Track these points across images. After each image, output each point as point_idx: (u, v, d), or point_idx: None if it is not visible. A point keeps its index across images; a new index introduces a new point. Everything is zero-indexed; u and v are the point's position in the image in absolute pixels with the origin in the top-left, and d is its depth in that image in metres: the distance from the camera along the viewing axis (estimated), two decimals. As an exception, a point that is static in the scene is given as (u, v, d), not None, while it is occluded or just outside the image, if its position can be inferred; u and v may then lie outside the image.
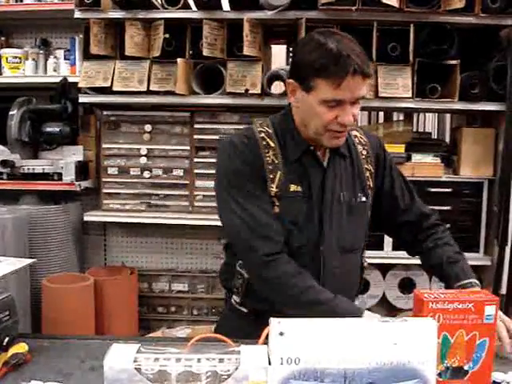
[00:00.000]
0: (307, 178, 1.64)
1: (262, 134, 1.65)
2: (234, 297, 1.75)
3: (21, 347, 1.43)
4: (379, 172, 1.77)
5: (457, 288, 1.60)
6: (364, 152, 1.74)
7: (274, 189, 1.60)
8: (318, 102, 1.51)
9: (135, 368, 0.93)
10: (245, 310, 1.72)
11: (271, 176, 1.61)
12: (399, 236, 1.89)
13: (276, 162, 1.62)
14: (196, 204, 3.38)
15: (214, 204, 1.71)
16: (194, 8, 3.14)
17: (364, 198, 1.70)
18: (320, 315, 1.44)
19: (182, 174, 3.39)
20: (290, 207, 1.61)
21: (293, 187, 1.62)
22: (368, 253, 3.16)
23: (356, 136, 1.76)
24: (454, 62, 3.01)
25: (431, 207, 1.89)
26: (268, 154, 1.62)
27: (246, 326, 1.54)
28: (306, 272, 1.56)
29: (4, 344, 1.43)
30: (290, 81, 1.59)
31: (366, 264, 1.84)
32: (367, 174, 1.73)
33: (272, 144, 1.63)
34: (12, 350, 1.40)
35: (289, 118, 1.66)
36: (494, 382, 1.26)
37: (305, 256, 1.62)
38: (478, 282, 1.63)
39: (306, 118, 1.59)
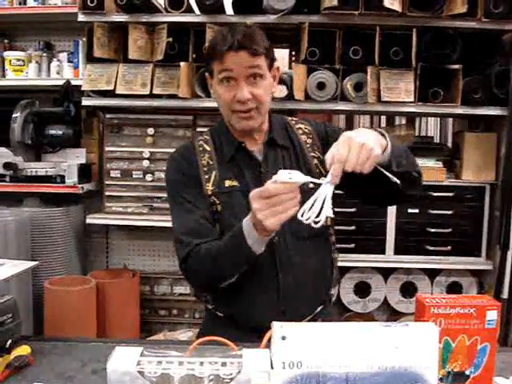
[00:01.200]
0: (242, 174, 1.68)
1: (200, 142, 1.76)
2: (207, 305, 1.77)
3: (23, 349, 1.43)
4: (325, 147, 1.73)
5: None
6: (309, 141, 1.76)
7: (210, 187, 1.66)
8: (217, 83, 1.63)
9: (138, 371, 0.93)
10: (221, 314, 1.73)
11: (206, 177, 1.68)
12: (390, 195, 1.72)
13: (211, 163, 1.70)
14: (198, 207, 3.38)
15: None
16: (197, 12, 3.15)
17: (312, 185, 1.67)
18: (231, 267, 1.55)
19: (184, 177, 3.39)
20: (229, 202, 1.65)
21: (228, 182, 1.67)
22: (370, 257, 3.22)
23: (300, 128, 1.80)
24: (456, 66, 3.02)
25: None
26: (203, 158, 1.71)
27: (225, 331, 1.54)
28: (200, 244, 1.59)
29: (7, 346, 1.44)
30: (206, 74, 1.73)
31: (336, 256, 1.80)
32: (315, 161, 1.73)
33: (208, 148, 1.73)
34: (15, 353, 1.41)
35: (223, 119, 1.75)
36: (495, 386, 1.26)
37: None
38: (386, 134, 1.49)
39: (219, 106, 1.69)
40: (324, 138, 1.77)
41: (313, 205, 1.32)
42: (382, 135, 1.47)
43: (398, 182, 1.39)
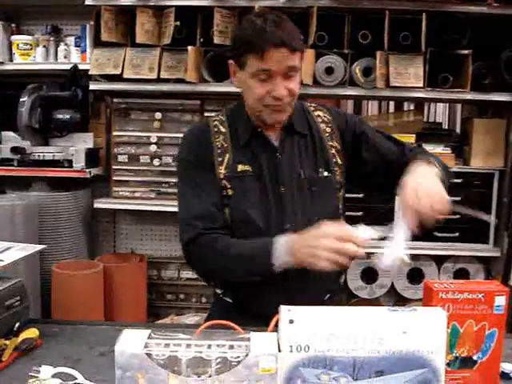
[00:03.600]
0: (256, 159, 1.66)
1: (215, 122, 1.72)
2: (216, 290, 1.76)
3: (32, 332, 1.44)
4: (349, 143, 1.74)
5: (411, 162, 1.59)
6: (328, 130, 1.73)
7: (222, 171, 1.64)
8: (249, 76, 1.57)
9: (146, 353, 0.93)
10: (229, 300, 1.72)
11: (220, 159, 1.65)
12: None
13: (225, 145, 1.66)
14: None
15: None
16: (205, -5, 3.13)
17: (326, 174, 1.68)
18: (241, 269, 1.55)
19: (191, 162, 3.38)
20: (241, 187, 1.63)
21: (240, 167, 1.65)
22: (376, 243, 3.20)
23: (319, 115, 1.76)
24: (466, 51, 3.00)
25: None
26: (218, 140, 1.67)
27: (233, 316, 1.54)
28: (216, 236, 1.59)
29: (15, 329, 1.45)
30: (230, 61, 1.66)
31: None
32: (332, 150, 1.71)
33: (223, 129, 1.69)
34: (23, 335, 1.41)
35: (241, 103, 1.71)
36: (502, 372, 1.26)
37: (270, 235, 1.58)
38: (436, 164, 1.59)
39: (245, 96, 1.66)
40: (344, 129, 1.75)
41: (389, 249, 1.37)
42: (430, 162, 1.57)
43: (490, 220, 1.45)
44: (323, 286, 1.70)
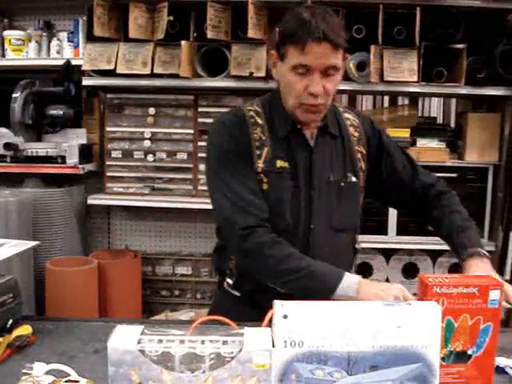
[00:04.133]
0: (293, 156, 1.64)
1: (251, 113, 1.67)
2: (228, 280, 1.74)
3: (25, 329, 1.43)
4: (373, 151, 1.76)
5: (466, 257, 1.59)
6: (356, 134, 1.73)
7: (260, 164, 1.61)
8: (288, 69, 1.54)
9: (139, 350, 0.93)
10: (238, 293, 1.72)
11: (258, 152, 1.62)
12: (409, 209, 1.91)
13: (263, 138, 1.63)
14: (200, 187, 3.38)
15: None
16: (198, -10, 3.12)
17: (354, 179, 1.69)
18: (300, 282, 1.50)
19: (185, 157, 3.38)
20: (277, 183, 1.61)
21: (279, 163, 1.63)
22: (372, 237, 3.21)
23: (348, 118, 1.76)
24: (460, 46, 2.99)
25: (437, 175, 1.87)
26: (256, 131, 1.64)
27: (238, 310, 1.53)
28: (285, 242, 1.56)
29: (8, 326, 1.44)
30: (272, 52, 1.64)
31: (358, 247, 1.83)
32: (359, 155, 1.72)
33: (260, 121, 1.65)
34: (16, 332, 1.41)
35: (277, 96, 1.67)
36: (497, 366, 1.26)
37: (294, 234, 1.61)
38: (485, 251, 1.61)
39: (284, 91, 1.62)
40: (371, 136, 1.76)
41: None
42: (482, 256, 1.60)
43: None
44: None
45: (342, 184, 1.67)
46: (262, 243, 1.55)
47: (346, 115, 1.77)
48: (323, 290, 1.48)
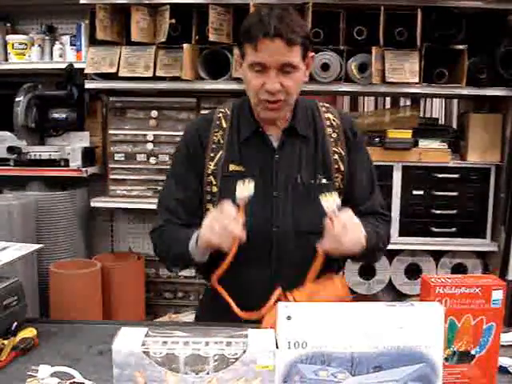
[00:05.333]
0: (252, 159, 1.64)
1: (220, 115, 1.70)
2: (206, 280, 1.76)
3: (29, 332, 1.44)
4: (349, 155, 1.71)
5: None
6: (334, 135, 1.69)
7: (211, 167, 1.64)
8: (247, 67, 1.55)
9: (143, 351, 0.93)
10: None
11: (212, 155, 1.65)
12: None
13: (221, 142, 1.66)
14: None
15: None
16: (199, -7, 3.12)
17: (324, 180, 1.65)
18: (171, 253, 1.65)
19: (188, 160, 3.38)
20: (227, 187, 1.59)
21: (232, 167, 1.64)
22: (374, 238, 3.20)
23: (328, 118, 1.72)
24: (461, 46, 3.00)
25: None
26: (216, 134, 1.67)
27: (223, 308, 1.54)
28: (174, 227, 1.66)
29: (12, 329, 1.45)
30: (236, 52, 1.67)
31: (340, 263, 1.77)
32: (335, 156, 1.67)
33: (224, 125, 1.68)
34: (20, 335, 1.41)
35: (247, 98, 1.66)
36: (500, 366, 1.26)
37: (256, 237, 1.55)
38: (368, 235, 1.55)
39: (246, 89, 1.63)
40: (349, 137, 1.71)
41: None
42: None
43: None
44: None
45: (311, 185, 1.63)
46: (156, 237, 1.72)
47: (327, 115, 1.72)
48: (184, 259, 1.59)
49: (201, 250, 1.53)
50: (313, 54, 1.64)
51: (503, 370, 1.29)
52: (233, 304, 1.51)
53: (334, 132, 1.70)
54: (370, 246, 1.55)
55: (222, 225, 1.42)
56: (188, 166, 1.68)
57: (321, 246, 1.47)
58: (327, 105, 1.78)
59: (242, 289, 1.58)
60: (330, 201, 1.46)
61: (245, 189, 1.46)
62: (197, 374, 0.94)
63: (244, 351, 0.94)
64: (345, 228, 1.44)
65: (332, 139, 1.69)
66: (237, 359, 0.93)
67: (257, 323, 1.40)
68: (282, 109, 1.60)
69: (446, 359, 1.16)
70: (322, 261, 1.49)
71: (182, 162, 1.71)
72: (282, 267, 1.61)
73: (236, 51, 1.66)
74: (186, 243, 1.55)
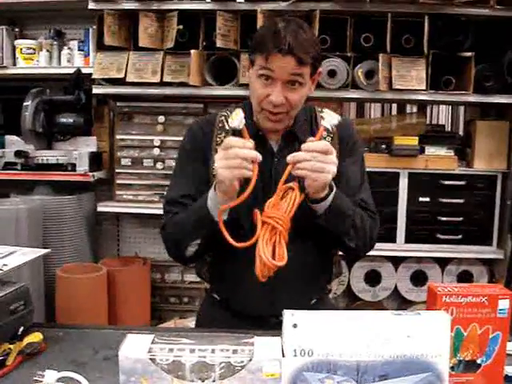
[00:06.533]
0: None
1: (222, 118, 1.71)
2: (206, 284, 1.78)
3: (36, 336, 1.44)
4: (341, 156, 1.68)
5: None
6: (328, 139, 1.67)
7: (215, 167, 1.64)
8: (255, 75, 1.56)
9: (150, 358, 0.93)
10: (217, 296, 1.73)
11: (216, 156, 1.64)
12: None
13: None
14: (208, 195, 3.38)
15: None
16: (207, -1, 3.14)
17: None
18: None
19: (194, 165, 3.39)
20: None
21: None
22: (380, 245, 3.21)
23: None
24: (468, 54, 3.00)
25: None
26: (220, 136, 1.67)
27: (218, 313, 1.55)
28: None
29: (19, 333, 1.45)
30: (245, 57, 1.66)
31: (336, 251, 1.78)
32: None
33: (227, 127, 1.68)
34: (27, 340, 1.41)
35: (250, 103, 1.67)
36: (506, 375, 1.26)
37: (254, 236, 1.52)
38: (333, 190, 1.54)
39: (250, 95, 1.64)
40: (347, 144, 1.71)
41: None
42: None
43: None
44: (310, 290, 1.70)
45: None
46: (167, 229, 1.71)
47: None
48: (205, 222, 1.53)
49: (221, 196, 1.48)
50: (320, 69, 1.65)
51: (509, 380, 1.28)
52: (228, 236, 1.43)
53: (328, 136, 1.70)
54: (337, 204, 1.54)
55: (234, 154, 1.40)
56: (196, 161, 1.68)
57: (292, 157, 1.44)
58: (325, 109, 1.76)
59: (241, 289, 1.61)
60: (333, 117, 1.47)
61: (235, 117, 1.44)
62: (203, 381, 0.94)
63: (250, 359, 0.94)
64: (322, 155, 1.42)
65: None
66: (243, 367, 0.93)
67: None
68: (283, 121, 1.61)
69: (452, 368, 1.16)
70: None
71: (187, 157, 1.72)
72: (281, 269, 1.61)
73: (244, 56, 1.66)
74: (203, 204, 1.53)
